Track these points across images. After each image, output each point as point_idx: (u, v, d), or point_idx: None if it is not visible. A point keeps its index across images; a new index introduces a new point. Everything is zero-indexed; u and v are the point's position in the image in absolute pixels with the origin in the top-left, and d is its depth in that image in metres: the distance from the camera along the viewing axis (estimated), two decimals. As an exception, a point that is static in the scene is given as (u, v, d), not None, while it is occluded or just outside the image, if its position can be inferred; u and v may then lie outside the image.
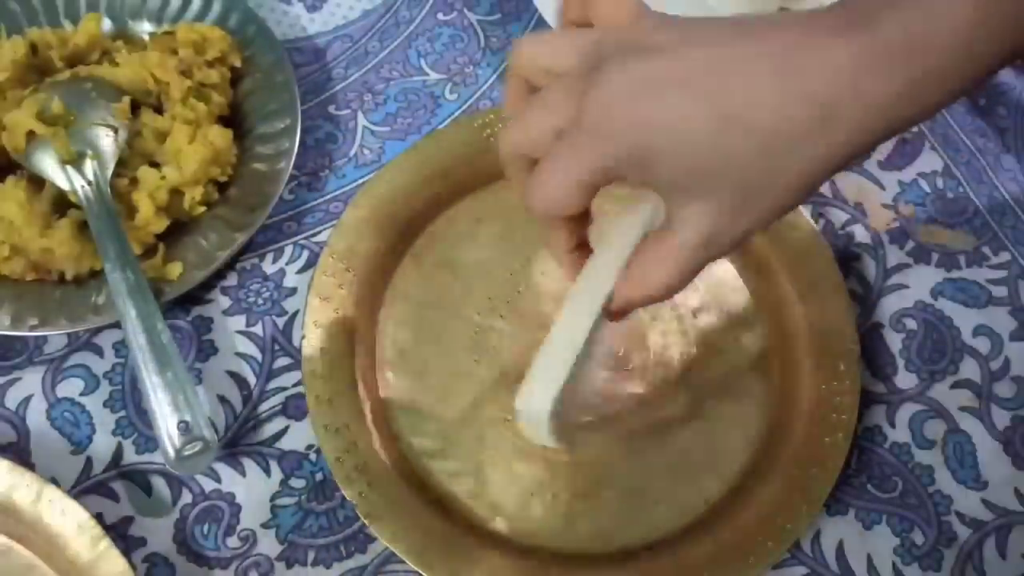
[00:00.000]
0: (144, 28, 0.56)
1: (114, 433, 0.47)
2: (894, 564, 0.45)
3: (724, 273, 0.50)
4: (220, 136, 0.50)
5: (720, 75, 0.28)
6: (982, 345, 0.49)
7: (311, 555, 0.45)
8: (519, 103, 0.34)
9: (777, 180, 0.29)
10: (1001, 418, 0.48)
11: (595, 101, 0.29)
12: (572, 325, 0.35)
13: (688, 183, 0.30)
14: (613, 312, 0.34)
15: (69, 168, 0.48)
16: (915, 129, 0.55)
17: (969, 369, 0.49)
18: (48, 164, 0.48)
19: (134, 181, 0.49)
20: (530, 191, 0.32)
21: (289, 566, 0.44)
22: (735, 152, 0.29)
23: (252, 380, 0.48)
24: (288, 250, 0.52)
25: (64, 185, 0.48)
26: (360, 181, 0.54)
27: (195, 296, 0.50)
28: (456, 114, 0.56)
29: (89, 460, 0.46)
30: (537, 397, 0.36)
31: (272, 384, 0.48)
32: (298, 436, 0.47)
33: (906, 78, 0.28)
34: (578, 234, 0.35)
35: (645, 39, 0.30)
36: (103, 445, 0.47)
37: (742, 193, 0.30)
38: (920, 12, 0.28)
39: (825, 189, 0.53)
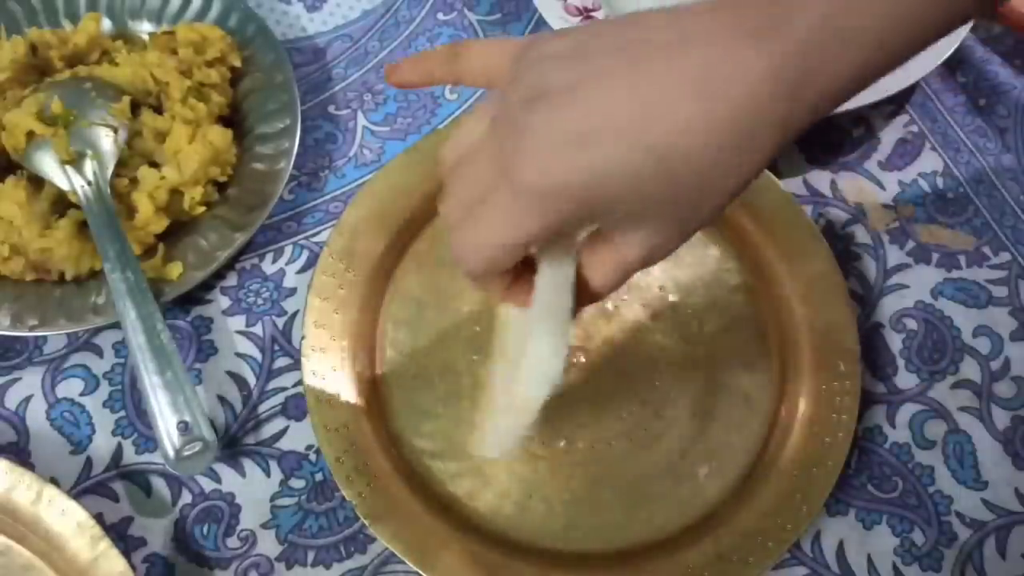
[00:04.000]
0: (144, 28, 0.56)
1: (114, 433, 0.47)
2: (894, 564, 0.45)
3: (725, 273, 0.50)
4: (220, 136, 0.50)
5: (644, 109, 0.28)
6: (982, 345, 0.49)
7: (311, 555, 0.45)
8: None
9: (712, 199, 0.30)
10: (1001, 418, 0.48)
11: (524, 165, 0.28)
12: (543, 362, 0.34)
13: (631, 214, 0.30)
14: None
15: (69, 168, 0.48)
16: (915, 129, 0.55)
17: (969, 369, 0.49)
18: (48, 164, 0.48)
19: (134, 181, 0.49)
20: (465, 255, 0.31)
21: (289, 566, 0.44)
22: (675, 180, 0.28)
23: (252, 380, 0.48)
24: (288, 250, 0.52)
25: (64, 185, 0.48)
26: (360, 181, 0.54)
27: (195, 296, 0.50)
28: (456, 114, 0.56)
29: (89, 460, 0.46)
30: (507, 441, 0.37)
31: (272, 384, 0.48)
32: (298, 436, 0.47)
33: (824, 81, 0.28)
34: (512, 273, 0.34)
35: (544, 83, 0.29)
36: (103, 445, 0.47)
37: (680, 215, 0.30)
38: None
39: (825, 189, 0.53)
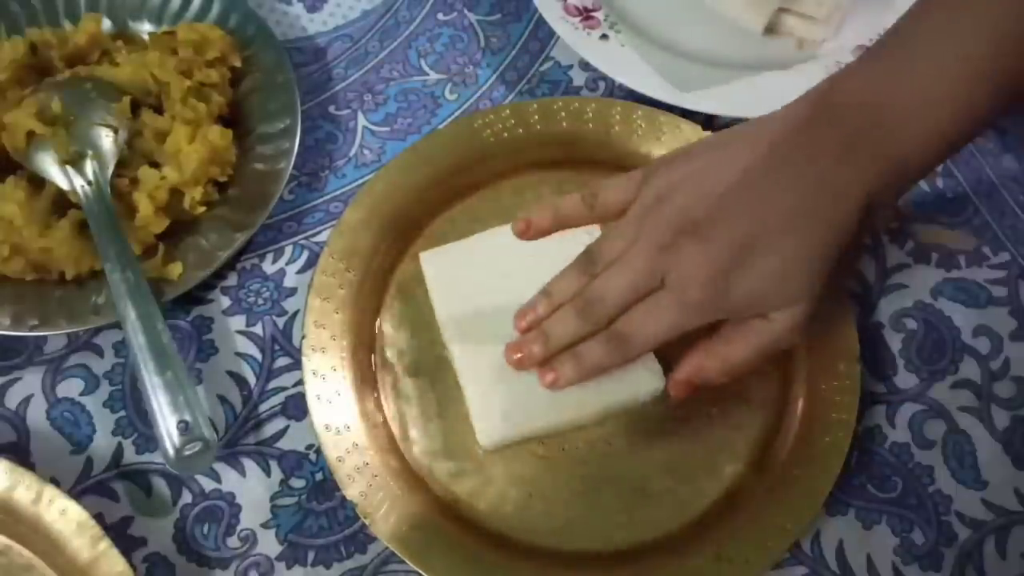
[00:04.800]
0: (144, 28, 0.56)
1: (114, 433, 0.47)
2: (894, 564, 0.45)
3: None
4: (220, 136, 0.50)
5: (788, 228, 0.37)
6: (982, 345, 0.49)
7: (311, 555, 0.45)
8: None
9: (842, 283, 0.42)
10: (1001, 418, 0.48)
11: (688, 288, 0.38)
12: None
13: (772, 307, 0.39)
14: (681, 382, 0.41)
15: (69, 168, 0.48)
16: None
17: (969, 369, 0.49)
18: (48, 164, 0.48)
19: (134, 181, 0.49)
20: (634, 340, 0.40)
21: (289, 566, 0.44)
22: (817, 276, 0.38)
23: (252, 380, 0.48)
24: (288, 250, 0.52)
25: (64, 185, 0.48)
26: (360, 181, 0.54)
27: (195, 296, 0.50)
28: (456, 114, 0.56)
29: (89, 460, 0.46)
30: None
31: (272, 384, 0.48)
32: (298, 436, 0.47)
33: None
34: None
35: (685, 218, 0.38)
36: (103, 445, 0.47)
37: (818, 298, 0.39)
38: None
39: (825, 189, 0.53)
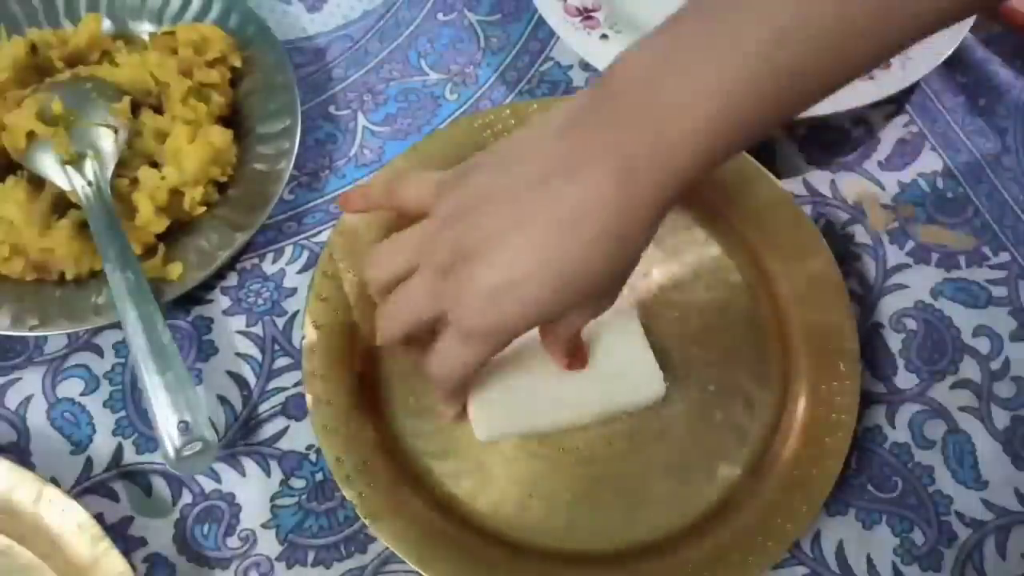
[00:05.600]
0: (144, 28, 0.56)
1: (114, 433, 0.47)
2: (894, 564, 0.45)
3: (724, 273, 0.50)
4: (220, 136, 0.50)
5: (542, 256, 0.36)
6: (982, 345, 0.49)
7: (311, 555, 0.45)
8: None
9: (617, 284, 0.39)
10: (1001, 418, 0.48)
11: (464, 316, 0.37)
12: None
13: (557, 315, 0.39)
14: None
15: (69, 168, 0.48)
16: (915, 129, 0.55)
17: (969, 369, 0.49)
18: (48, 164, 0.48)
19: (134, 181, 0.49)
20: (436, 380, 0.41)
21: (289, 566, 0.44)
22: (582, 291, 0.37)
23: (252, 380, 0.48)
24: (288, 250, 0.52)
25: (64, 185, 0.48)
26: (360, 181, 0.54)
27: (195, 296, 0.50)
28: (456, 114, 0.56)
29: (89, 460, 0.46)
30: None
31: (272, 384, 0.48)
32: (298, 436, 0.47)
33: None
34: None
35: (463, 244, 0.36)
36: (103, 445, 0.47)
37: (598, 304, 0.39)
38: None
39: (825, 189, 0.53)
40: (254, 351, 0.49)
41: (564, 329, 0.40)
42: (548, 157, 0.36)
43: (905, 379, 0.49)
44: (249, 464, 0.47)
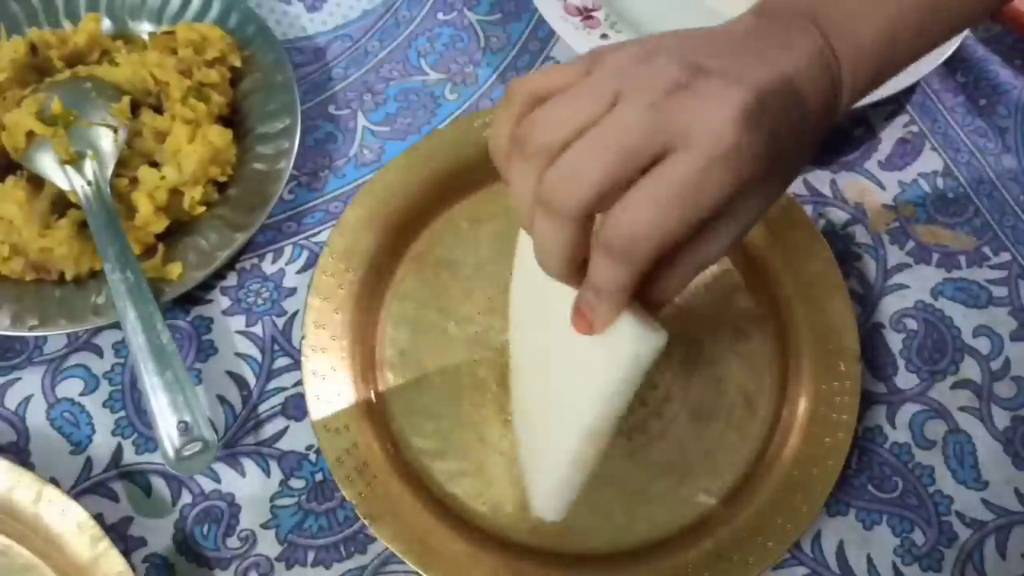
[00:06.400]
0: (144, 28, 0.56)
1: (114, 433, 0.47)
2: (894, 564, 0.45)
3: (724, 273, 0.50)
4: (220, 136, 0.50)
5: (784, 93, 0.32)
6: (982, 345, 0.49)
7: (311, 555, 0.45)
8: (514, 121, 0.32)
9: (812, 138, 0.34)
10: (1001, 418, 0.48)
11: (716, 122, 0.29)
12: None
13: (769, 175, 0.32)
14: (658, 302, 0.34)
15: (69, 168, 0.48)
16: (916, 129, 0.55)
17: (969, 369, 0.49)
18: (48, 164, 0.48)
19: (134, 181, 0.49)
20: (622, 239, 0.30)
21: (289, 566, 0.44)
22: (806, 122, 0.33)
23: (252, 380, 0.48)
24: (288, 250, 0.52)
25: (64, 185, 0.48)
26: (360, 181, 0.54)
27: (195, 296, 0.50)
28: (456, 114, 0.56)
29: (89, 460, 0.46)
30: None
31: (272, 384, 0.48)
32: (298, 436, 0.47)
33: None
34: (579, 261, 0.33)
35: (696, 55, 0.31)
36: (103, 445, 0.47)
37: (797, 162, 0.35)
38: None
39: (825, 189, 0.53)
40: (254, 351, 0.49)
41: (726, 234, 0.32)
42: (753, 33, 0.34)
43: (905, 379, 0.49)
44: (249, 464, 0.47)
